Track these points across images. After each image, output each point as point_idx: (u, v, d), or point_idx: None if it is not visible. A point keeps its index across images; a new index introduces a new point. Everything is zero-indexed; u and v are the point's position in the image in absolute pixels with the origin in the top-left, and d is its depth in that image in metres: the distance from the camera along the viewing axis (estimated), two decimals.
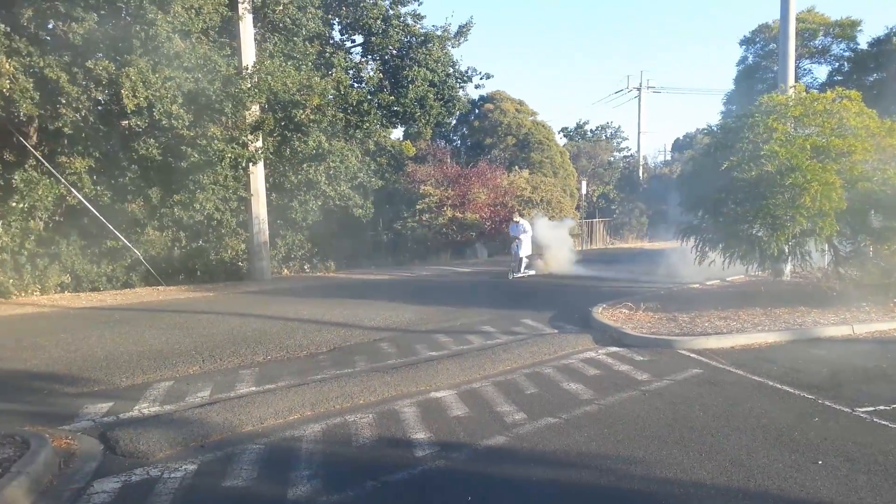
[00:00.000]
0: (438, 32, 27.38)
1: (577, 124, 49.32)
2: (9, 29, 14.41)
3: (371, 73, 26.66)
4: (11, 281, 16.05)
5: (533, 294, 15.26)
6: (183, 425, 5.94)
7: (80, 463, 5.18)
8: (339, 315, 12.30)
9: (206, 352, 9.24)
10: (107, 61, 14.98)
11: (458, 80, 29.00)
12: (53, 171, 16.40)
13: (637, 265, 21.74)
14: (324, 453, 5.34)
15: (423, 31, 27.12)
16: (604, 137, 49.17)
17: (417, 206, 27.96)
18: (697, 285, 14.96)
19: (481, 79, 30.66)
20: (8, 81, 14.15)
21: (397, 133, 31.82)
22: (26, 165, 16.37)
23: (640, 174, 46.12)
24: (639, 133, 48.14)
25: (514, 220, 20.24)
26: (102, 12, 15.06)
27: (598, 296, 13.78)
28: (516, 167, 32.85)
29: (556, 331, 10.47)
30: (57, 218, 17.44)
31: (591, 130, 49.57)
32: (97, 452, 5.40)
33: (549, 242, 21.49)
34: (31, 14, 14.50)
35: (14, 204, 16.15)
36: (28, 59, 14.47)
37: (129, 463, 5.17)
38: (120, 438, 5.60)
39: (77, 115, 15.43)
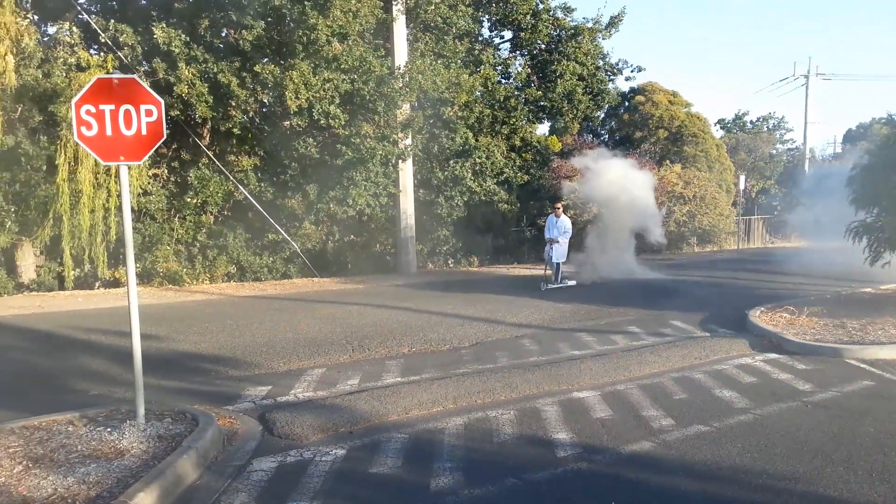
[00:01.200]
0: (589, 25, 26.77)
1: (736, 115, 46.53)
2: (188, 39, 15.75)
3: (519, 69, 26.58)
4: (185, 270, 17.55)
5: (683, 293, 14.57)
6: (334, 411, 6.21)
7: (241, 441, 5.56)
8: (480, 310, 12.38)
9: (355, 342, 9.62)
10: (272, 65, 15.99)
11: (608, 73, 28.26)
12: (223, 168, 17.76)
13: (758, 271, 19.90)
14: (465, 447, 5.38)
15: (573, 23, 26.63)
16: (765, 129, 46.01)
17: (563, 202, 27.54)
18: (870, 289, 13.64)
19: (632, 72, 29.76)
20: (186, 87, 15.49)
21: (543, 128, 31.55)
22: (200, 164, 17.86)
23: (806, 167, 42.77)
24: (805, 124, 44.54)
25: (556, 215, 16.52)
26: (269, 19, 16.11)
27: (756, 298, 12.92)
28: (667, 161, 31.50)
29: (707, 334, 9.93)
30: (225, 212, 18.89)
31: (751, 122, 46.57)
32: (256, 433, 5.77)
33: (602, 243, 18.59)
34: (208, 24, 15.77)
35: (189, 199, 17.70)
36: (204, 65, 15.75)
37: (284, 444, 5.48)
38: (277, 421, 5.95)
39: (245, 117, 16.61)
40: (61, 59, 15.71)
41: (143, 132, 5.18)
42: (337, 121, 16.78)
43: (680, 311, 11.99)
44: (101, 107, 5.11)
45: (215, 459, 5.15)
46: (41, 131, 15.68)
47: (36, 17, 17.25)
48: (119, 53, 15.79)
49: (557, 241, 16.07)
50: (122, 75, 5.17)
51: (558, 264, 16.28)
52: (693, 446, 5.32)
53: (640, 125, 34.59)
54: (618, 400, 6.64)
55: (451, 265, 23.58)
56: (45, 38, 17.39)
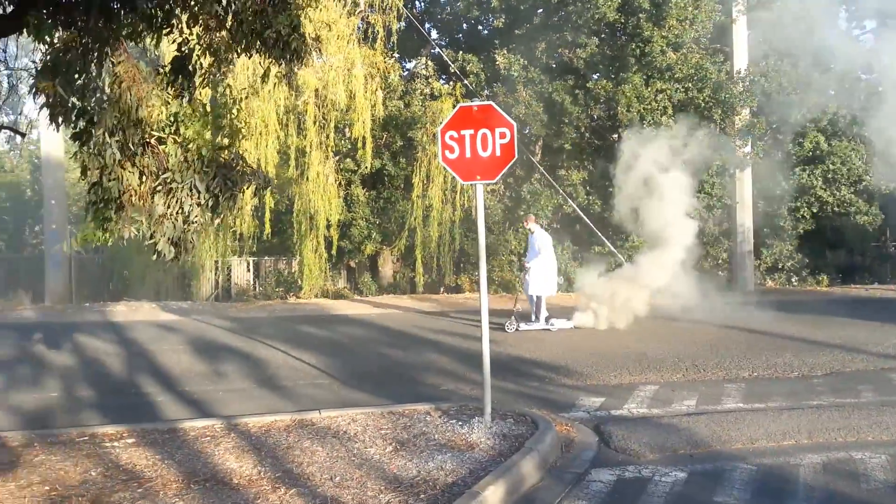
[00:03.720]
0: None
1: None
2: (526, 62, 16.72)
3: None
4: (517, 279, 18.58)
5: None
6: (671, 431, 6.04)
7: (577, 450, 5.69)
8: (834, 335, 10.99)
9: (688, 360, 9.24)
10: (604, 80, 16.21)
11: None
12: (553, 183, 18.45)
13: None
14: (825, 489, 4.81)
15: None
16: None
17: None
18: None
19: None
20: (524, 108, 16.46)
21: None
22: (532, 179, 18.79)
23: None
24: None
25: (528, 228, 12.66)
26: (602, 36, 16.37)
27: None
28: None
29: None
30: (554, 225, 19.58)
31: None
32: (592, 443, 5.86)
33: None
34: (544, 46, 16.58)
35: (521, 213, 18.72)
36: (539, 86, 16.58)
37: (621, 458, 5.47)
38: (613, 434, 5.97)
39: (576, 133, 17.07)
40: (418, 90, 17.79)
41: (497, 153, 5.62)
42: (668, 131, 16.37)
43: None
44: (462, 132, 5.67)
45: (554, 464, 5.34)
46: (400, 154, 17.96)
47: (397, 55, 19.83)
48: (465, 81, 17.36)
49: (527, 266, 12.34)
50: (481, 102, 5.69)
51: (533, 297, 12.30)
52: None
53: None
54: None
55: (795, 283, 21.33)
56: (405, 73, 19.90)
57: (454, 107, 16.15)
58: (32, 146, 26.72)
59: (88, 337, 11.81)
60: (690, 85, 16.68)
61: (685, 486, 4.87)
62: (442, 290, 18.75)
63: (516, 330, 11.90)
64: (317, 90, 15.80)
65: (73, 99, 3.72)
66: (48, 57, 4.14)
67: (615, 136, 18.04)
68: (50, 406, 7.41)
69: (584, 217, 18.50)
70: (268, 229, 16.43)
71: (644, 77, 16.35)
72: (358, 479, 4.74)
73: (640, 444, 5.69)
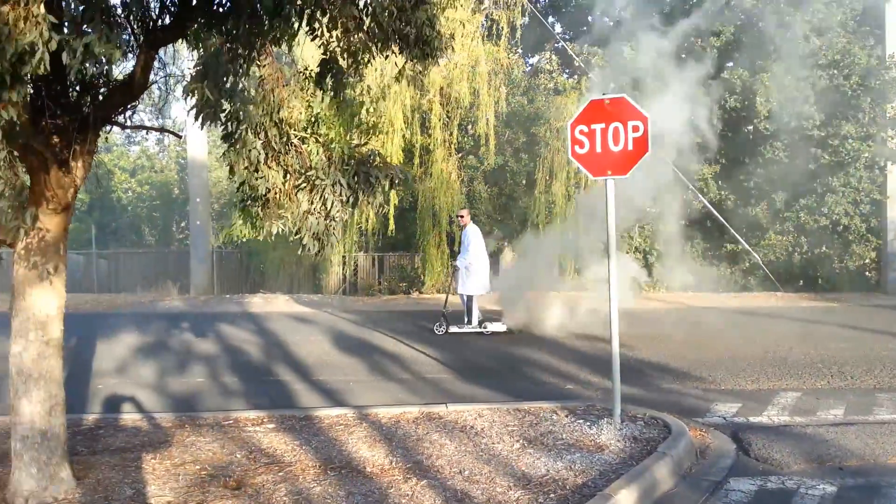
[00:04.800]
0: None
1: None
2: (655, 53, 16.15)
3: None
4: (643, 278, 18.03)
5: None
6: (816, 442, 5.65)
7: (713, 457, 5.43)
8: None
9: (833, 367, 8.62)
10: (740, 69, 15.40)
11: None
12: (682, 177, 17.73)
13: None
14: None
15: None
16: None
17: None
18: None
19: None
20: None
21: None
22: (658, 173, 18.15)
23: None
24: None
25: (460, 220, 12.06)
26: (738, 23, 15.55)
27: None
28: None
29: None
30: (683, 221, 18.81)
31: None
32: (729, 451, 5.58)
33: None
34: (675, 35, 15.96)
35: (648, 209, 18.11)
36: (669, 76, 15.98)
37: (762, 468, 5.18)
38: (752, 442, 5.67)
39: (708, 125, 16.32)
40: (542, 86, 17.63)
41: (629, 147, 5.47)
42: (810, 121, 15.33)
43: None
44: (593, 126, 5.56)
45: (689, 471, 5.13)
46: (522, 150, 17.87)
47: (520, 51, 19.73)
48: (590, 75, 17.03)
49: (455, 265, 11.92)
50: (613, 95, 5.55)
51: (463, 297, 11.72)
52: None
53: None
54: None
55: None
56: (528, 69, 19.78)
57: (579, 101, 15.93)
58: (179, 148, 28.82)
59: (229, 326, 12.57)
60: (836, 72, 15.52)
61: (836, 502, 4.54)
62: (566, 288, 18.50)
63: (445, 332, 11.40)
64: (441, 88, 16.01)
65: (223, 101, 3.95)
66: (200, 62, 4.43)
67: (749, 127, 17.10)
68: (197, 390, 7.94)
69: (716, 213, 17.67)
70: (392, 226, 16.85)
71: (784, 65, 15.38)
72: (487, 474, 4.76)
73: (783, 454, 5.37)
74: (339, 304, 16.23)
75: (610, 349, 5.96)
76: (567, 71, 19.34)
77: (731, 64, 16.53)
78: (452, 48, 4.45)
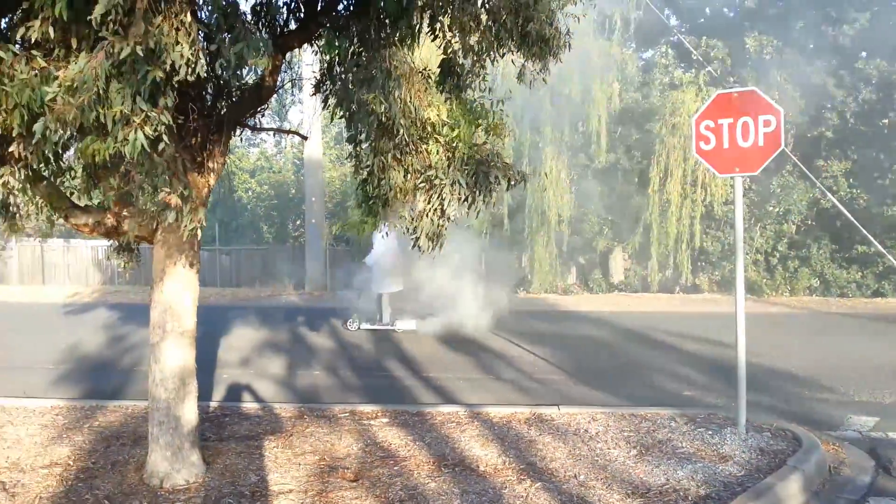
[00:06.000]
0: None
1: None
2: (780, 43, 15.29)
3: None
4: (764, 281, 17.12)
5: None
6: None
7: (849, 474, 5.07)
8: None
9: None
10: (878, 59, 14.34)
11: None
12: (809, 174, 16.68)
13: None
14: None
15: None
16: None
17: None
18: None
19: None
20: (777, 92, 15.07)
21: None
22: (783, 171, 17.17)
23: None
24: None
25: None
26: (875, 8, 14.48)
27: None
28: None
29: None
30: (809, 222, 17.73)
31: None
32: (868, 468, 5.19)
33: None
34: (803, 25, 15.05)
35: (770, 208, 17.18)
36: (796, 68, 15.09)
37: None
38: (894, 459, 5.24)
39: (839, 119, 15.31)
40: (657, 81, 17.07)
41: (760, 143, 5.18)
42: None
43: None
44: (720, 121, 5.30)
45: (822, 487, 4.81)
46: (635, 147, 17.37)
47: (634, 46, 19.18)
48: (709, 68, 16.34)
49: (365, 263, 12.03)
50: (742, 88, 5.28)
51: (379, 295, 11.73)
52: None
53: None
54: None
55: None
56: (642, 63, 19.20)
57: (697, 96, 15.31)
58: (295, 149, 29.94)
59: (340, 321, 12.93)
60: None
61: None
62: (677, 289, 17.84)
63: (358, 329, 11.60)
64: (551, 86, 15.79)
65: (350, 103, 4.04)
66: (325, 66, 4.57)
67: (885, 120, 15.88)
68: (313, 382, 8.22)
69: (847, 213, 16.50)
70: (506, 224, 16.83)
71: None
72: (603, 479, 4.64)
73: None
74: None
75: (735, 355, 5.69)
76: (683, 65, 18.62)
77: (864, 54, 15.40)
78: (569, 46, 4.36)
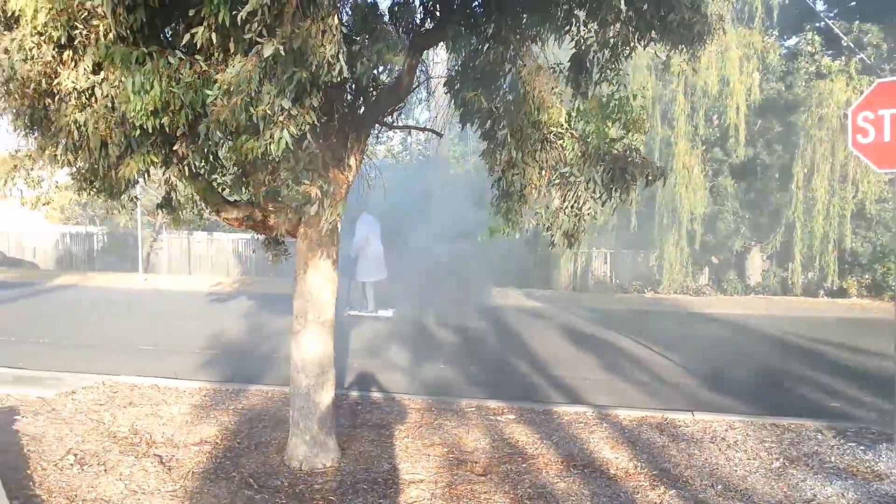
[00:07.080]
0: None
1: None
2: None
3: None
4: None
5: None
6: None
7: None
8: None
9: None
10: None
11: None
12: None
13: None
14: None
15: None
16: None
17: None
18: None
19: None
20: None
21: None
22: None
23: None
24: None
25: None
26: None
27: None
28: None
29: None
30: None
31: None
32: None
33: None
34: None
35: None
36: None
37: None
38: None
39: None
40: (802, 70, 15.99)
41: None
42: None
43: None
44: (881, 112, 4.88)
45: None
46: (777, 141, 16.35)
47: (776, 33, 18.02)
48: (861, 55, 15.12)
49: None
50: None
51: (362, 283, 11.94)
52: None
53: None
54: None
55: None
56: (785, 52, 18.02)
57: (847, 85, 14.22)
58: (420, 146, 30.51)
59: (469, 317, 13.06)
60: None
61: None
62: (822, 293, 16.64)
63: (348, 315, 11.65)
64: (685, 77, 15.17)
65: (483, 100, 4.06)
66: (458, 65, 4.61)
67: None
68: (440, 375, 8.34)
69: None
70: (633, 221, 16.38)
71: None
72: (743, 491, 4.42)
73: None
74: (570, 300, 16.15)
75: (891, 366, 5.23)
76: (831, 52, 17.30)
77: None
78: (723, 30, 4.15)
